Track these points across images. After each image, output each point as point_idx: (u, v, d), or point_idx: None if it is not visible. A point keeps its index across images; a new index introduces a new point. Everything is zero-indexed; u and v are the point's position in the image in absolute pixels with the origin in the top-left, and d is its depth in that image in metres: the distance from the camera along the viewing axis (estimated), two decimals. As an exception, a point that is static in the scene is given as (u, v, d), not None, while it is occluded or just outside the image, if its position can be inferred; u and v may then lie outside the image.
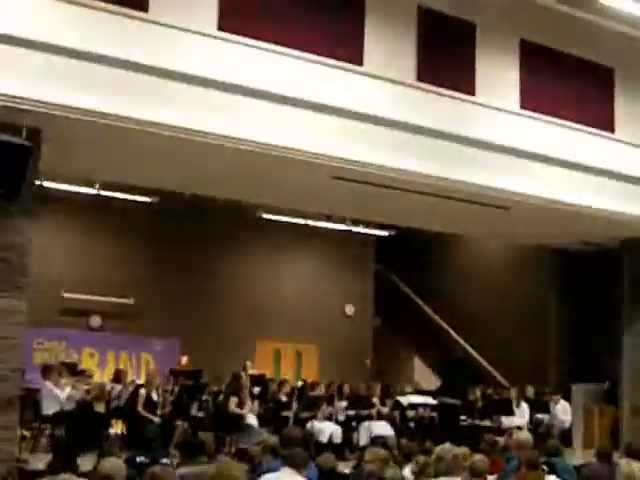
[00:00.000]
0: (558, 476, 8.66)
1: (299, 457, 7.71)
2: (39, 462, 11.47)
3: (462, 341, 23.11)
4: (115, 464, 5.92)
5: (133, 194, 18.72)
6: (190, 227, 20.42)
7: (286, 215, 20.73)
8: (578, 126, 15.64)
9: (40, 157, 11.37)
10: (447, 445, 8.65)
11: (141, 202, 19.02)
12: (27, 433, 13.96)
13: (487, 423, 16.96)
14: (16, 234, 11.15)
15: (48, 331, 18.83)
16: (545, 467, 8.68)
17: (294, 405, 15.98)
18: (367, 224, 22.08)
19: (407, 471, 9.30)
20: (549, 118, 15.30)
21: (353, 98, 13.18)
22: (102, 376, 18.73)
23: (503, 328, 21.36)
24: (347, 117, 13.06)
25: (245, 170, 13.62)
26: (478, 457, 8.77)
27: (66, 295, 19.51)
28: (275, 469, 7.77)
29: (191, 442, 8.90)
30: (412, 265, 24.59)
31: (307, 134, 12.76)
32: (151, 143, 12.18)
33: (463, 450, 9.32)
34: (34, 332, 16.08)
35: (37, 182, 12.14)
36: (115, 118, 11.28)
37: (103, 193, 18.21)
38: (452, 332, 23.44)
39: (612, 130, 16.25)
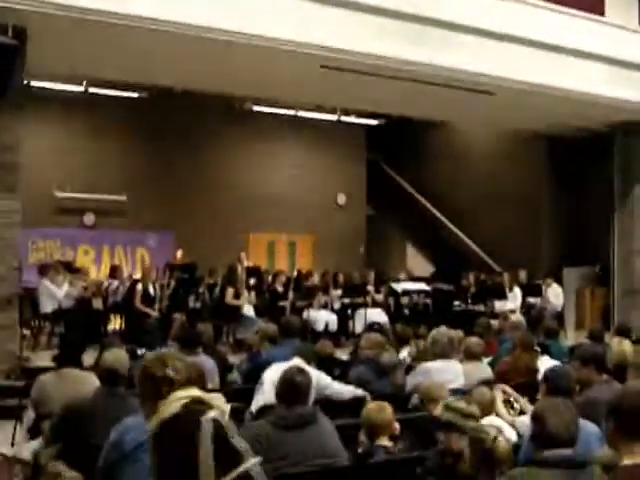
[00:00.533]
0: (551, 357, 8.85)
1: (308, 350, 8.00)
2: (40, 359, 11.67)
3: (455, 228, 23.18)
4: (118, 355, 5.98)
5: (122, 90, 18.48)
6: (180, 122, 20.23)
7: (276, 106, 20.56)
8: (567, 9, 15.43)
9: (26, 56, 11.27)
10: (442, 328, 8.81)
11: (131, 98, 18.81)
12: (27, 332, 14.11)
13: (480, 308, 17.12)
14: (6, 134, 11.13)
15: (42, 231, 18.78)
16: (538, 348, 8.87)
17: (290, 295, 16.11)
18: (358, 114, 21.97)
19: (404, 354, 9.48)
20: (536, 1, 15.09)
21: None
22: (98, 273, 18.86)
23: (496, 214, 21.40)
24: (331, 5, 12.88)
25: (234, 62, 13.49)
26: (473, 339, 8.95)
27: (58, 194, 19.43)
28: (276, 357, 7.91)
29: (187, 333, 9.03)
30: (404, 154, 24.48)
31: (294, 24, 12.61)
32: (135, 37, 12.05)
33: (458, 333, 9.51)
34: (28, 232, 16.03)
35: (24, 81, 12.06)
36: (98, 13, 11.15)
37: (91, 90, 18.00)
38: (444, 220, 23.49)
39: (602, 13, 16.05)
